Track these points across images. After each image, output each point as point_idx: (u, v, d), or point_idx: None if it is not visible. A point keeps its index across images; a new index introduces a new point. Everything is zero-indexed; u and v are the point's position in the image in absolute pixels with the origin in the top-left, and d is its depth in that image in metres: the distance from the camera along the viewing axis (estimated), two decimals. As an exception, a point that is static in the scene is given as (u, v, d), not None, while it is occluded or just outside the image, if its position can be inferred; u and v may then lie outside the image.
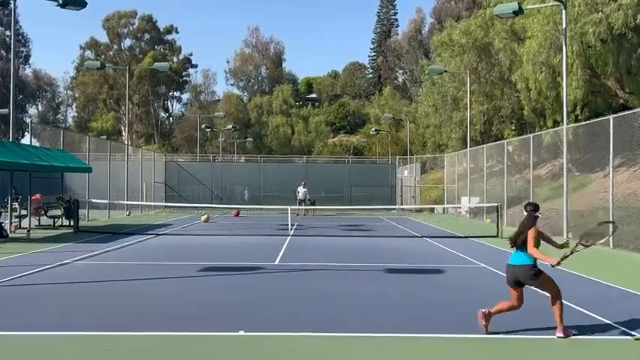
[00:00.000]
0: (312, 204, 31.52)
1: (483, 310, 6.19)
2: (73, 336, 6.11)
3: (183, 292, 8.68)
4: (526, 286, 6.19)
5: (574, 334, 6.10)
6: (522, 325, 6.51)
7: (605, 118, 15.54)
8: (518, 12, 19.03)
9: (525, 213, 6.24)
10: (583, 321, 6.83)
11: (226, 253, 13.58)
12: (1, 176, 20.19)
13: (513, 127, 33.16)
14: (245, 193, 36.23)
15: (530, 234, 6.02)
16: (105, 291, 8.79)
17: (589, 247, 6.10)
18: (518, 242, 6.12)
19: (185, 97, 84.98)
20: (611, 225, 6.47)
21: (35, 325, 6.56)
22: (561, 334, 6.03)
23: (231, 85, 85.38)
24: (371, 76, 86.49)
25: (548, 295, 6.17)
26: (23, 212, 20.31)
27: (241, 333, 6.20)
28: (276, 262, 11.80)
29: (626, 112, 15.26)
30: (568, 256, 5.98)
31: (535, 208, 6.24)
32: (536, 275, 6.04)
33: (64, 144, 22.54)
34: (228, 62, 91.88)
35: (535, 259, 6.03)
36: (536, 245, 6.02)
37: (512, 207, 23.59)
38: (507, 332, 6.25)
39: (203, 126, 55.34)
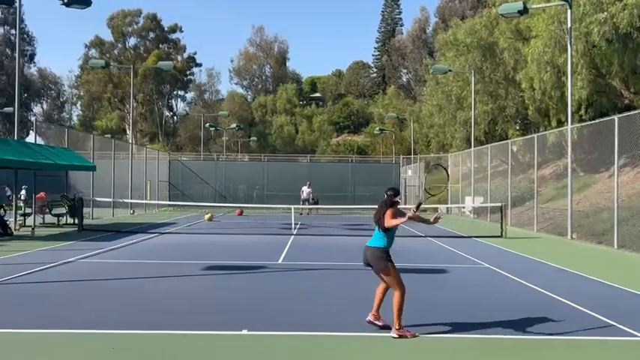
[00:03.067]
0: (316, 203, 31.55)
1: (369, 318, 6.29)
2: (76, 334, 6.12)
3: (187, 290, 8.68)
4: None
5: (416, 336, 6.00)
6: (523, 325, 6.51)
7: (610, 118, 15.48)
8: (523, 11, 19.00)
9: (385, 197, 6.35)
10: (585, 321, 6.82)
11: (230, 252, 13.59)
12: (6, 174, 20.26)
13: (518, 127, 33.12)
14: (256, 191, 36.11)
15: (388, 213, 6.16)
16: (108, 289, 8.81)
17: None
18: (375, 221, 6.31)
19: (189, 96, 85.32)
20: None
21: (39, 322, 6.57)
22: (396, 335, 5.97)
23: (235, 84, 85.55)
24: (375, 75, 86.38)
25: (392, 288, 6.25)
26: (28, 210, 20.37)
27: (245, 332, 6.19)
28: (280, 261, 11.80)
29: (632, 112, 15.20)
30: (419, 206, 6.30)
31: (395, 193, 6.35)
32: (382, 259, 6.15)
33: (69, 142, 22.58)
34: (232, 61, 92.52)
35: (387, 244, 6.20)
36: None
37: (516, 207, 23.56)
38: (508, 333, 6.24)
39: (207, 125, 55.44)
